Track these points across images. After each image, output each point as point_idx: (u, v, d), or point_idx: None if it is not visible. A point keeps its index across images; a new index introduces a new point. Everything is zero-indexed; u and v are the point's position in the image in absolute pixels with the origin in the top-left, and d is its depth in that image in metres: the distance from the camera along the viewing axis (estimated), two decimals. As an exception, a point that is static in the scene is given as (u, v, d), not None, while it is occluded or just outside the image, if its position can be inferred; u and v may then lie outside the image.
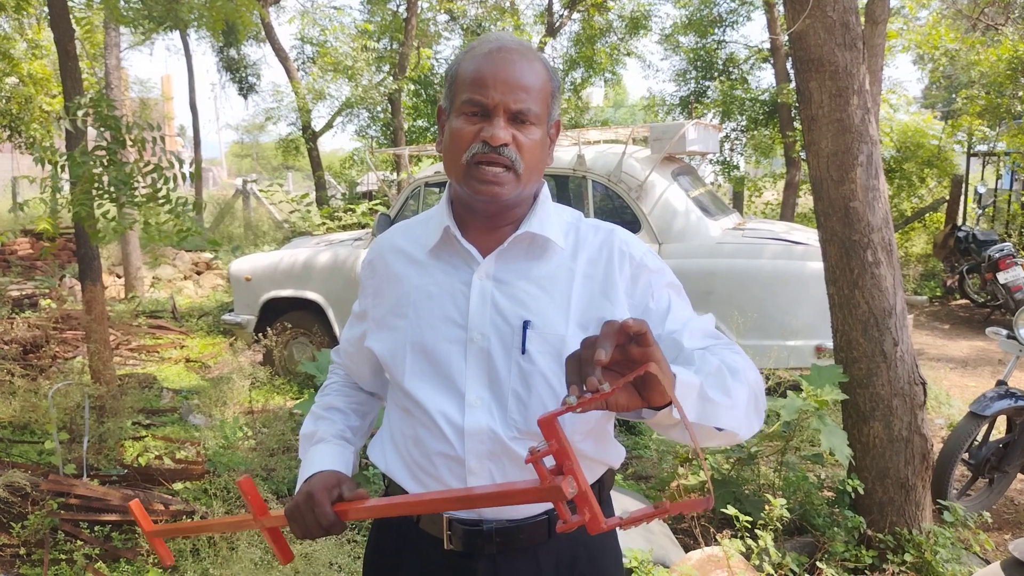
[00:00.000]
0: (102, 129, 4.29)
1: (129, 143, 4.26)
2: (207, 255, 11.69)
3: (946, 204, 10.50)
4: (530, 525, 1.28)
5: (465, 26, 14.87)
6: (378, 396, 1.56)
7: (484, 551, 1.28)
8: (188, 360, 6.83)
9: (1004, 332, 3.85)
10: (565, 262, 1.30)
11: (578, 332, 1.24)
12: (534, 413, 1.22)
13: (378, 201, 11.51)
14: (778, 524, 3.01)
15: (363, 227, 10.09)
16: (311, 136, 13.86)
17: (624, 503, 3.07)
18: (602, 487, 1.37)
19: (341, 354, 1.54)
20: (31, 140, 12.23)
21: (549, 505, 1.25)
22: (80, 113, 4.27)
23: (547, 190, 1.35)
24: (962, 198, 10.49)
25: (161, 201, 4.21)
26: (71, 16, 4.73)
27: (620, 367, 0.93)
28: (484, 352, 1.25)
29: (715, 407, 1.05)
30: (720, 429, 1.08)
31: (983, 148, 11.80)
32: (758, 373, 1.19)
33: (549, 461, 0.89)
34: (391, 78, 12.67)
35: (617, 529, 1.32)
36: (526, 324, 1.24)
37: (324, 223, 10.81)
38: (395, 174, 12.25)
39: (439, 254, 1.33)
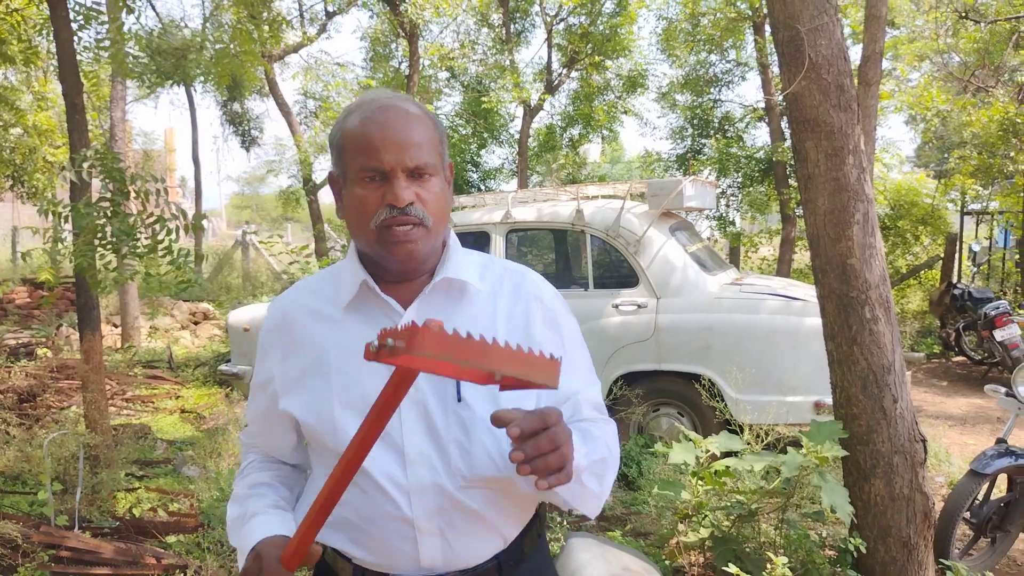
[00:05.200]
0: (107, 181, 4.34)
1: (133, 195, 4.30)
2: (205, 305, 11.69)
3: (941, 262, 10.58)
4: (480, 572, 1.29)
5: (465, 83, 15.13)
6: (301, 467, 1.50)
7: None
8: (183, 411, 6.79)
9: (1003, 390, 3.85)
10: (486, 304, 1.31)
11: None
12: (478, 460, 1.23)
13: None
14: (779, 583, 2.97)
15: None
16: (312, 188, 13.99)
17: (624, 560, 3.04)
18: (540, 522, 1.41)
19: (252, 434, 1.48)
20: (33, 190, 12.33)
21: (498, 548, 1.30)
22: (86, 165, 4.33)
23: (455, 236, 1.37)
24: (957, 256, 10.57)
25: (163, 252, 4.24)
26: (79, 70, 4.82)
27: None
28: (419, 404, 1.24)
29: (584, 494, 1.18)
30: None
31: (976, 207, 11.94)
32: (618, 452, 1.30)
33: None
34: (392, 133, 12.82)
35: None
36: None
37: (323, 275, 10.83)
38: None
39: (358, 308, 1.30)
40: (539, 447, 0.99)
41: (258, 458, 1.48)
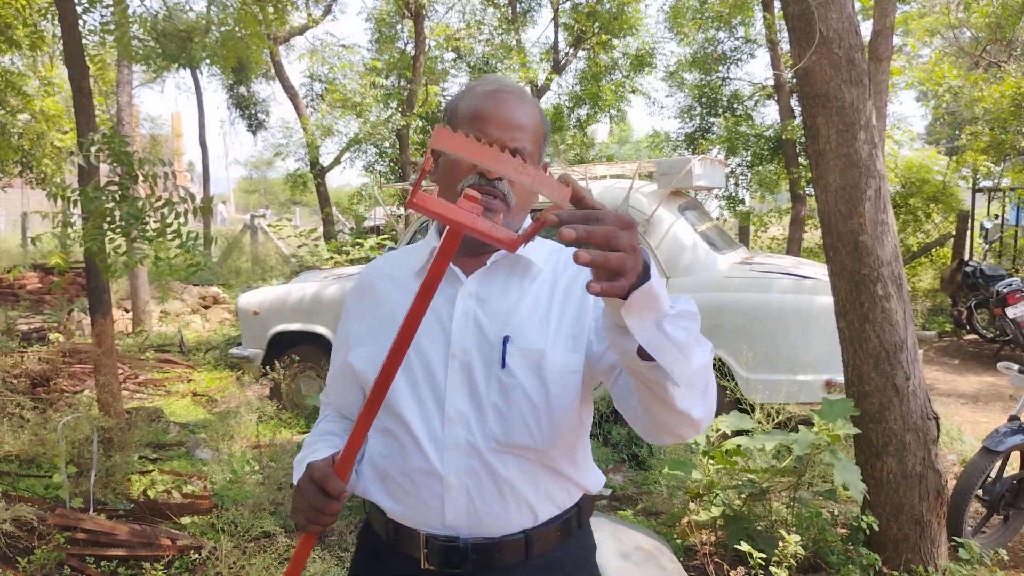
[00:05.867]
0: (115, 165, 4.34)
1: (141, 179, 4.30)
2: (215, 289, 11.73)
3: (952, 239, 10.51)
4: (507, 543, 1.30)
5: (472, 64, 15.05)
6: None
7: (460, 569, 1.29)
8: (195, 394, 6.82)
9: (1015, 367, 3.83)
10: (545, 282, 1.35)
11: (559, 347, 1.28)
12: (514, 426, 1.27)
13: (386, 236, 11.56)
14: (792, 561, 2.97)
15: (371, 261, 10.13)
16: (319, 172, 13.97)
17: (635, 539, 3.04)
18: (580, 512, 1.39)
19: (329, 393, 1.56)
20: (42, 176, 12.37)
21: (526, 523, 1.30)
22: (93, 149, 4.32)
23: (529, 222, 1.39)
24: (968, 233, 10.49)
25: (171, 236, 4.24)
26: (85, 53, 4.81)
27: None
28: (466, 367, 1.29)
29: (663, 343, 0.98)
30: (663, 380, 1.02)
31: (988, 184, 11.83)
32: (713, 377, 1.17)
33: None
34: (399, 114, 12.81)
35: (597, 557, 1.44)
36: (506, 339, 1.28)
37: (332, 257, 10.85)
38: (402, 209, 12.32)
39: (424, 274, 1.34)
40: (592, 233, 0.89)
41: (331, 414, 1.56)
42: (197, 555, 3.29)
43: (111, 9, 5.44)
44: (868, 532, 3.14)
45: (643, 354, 1.00)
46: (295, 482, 1.39)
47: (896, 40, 10.85)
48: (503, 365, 1.27)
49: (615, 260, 0.89)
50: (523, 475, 1.29)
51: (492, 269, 1.35)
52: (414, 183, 0.96)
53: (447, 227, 1.01)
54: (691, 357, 1.01)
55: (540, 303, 1.32)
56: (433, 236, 1.41)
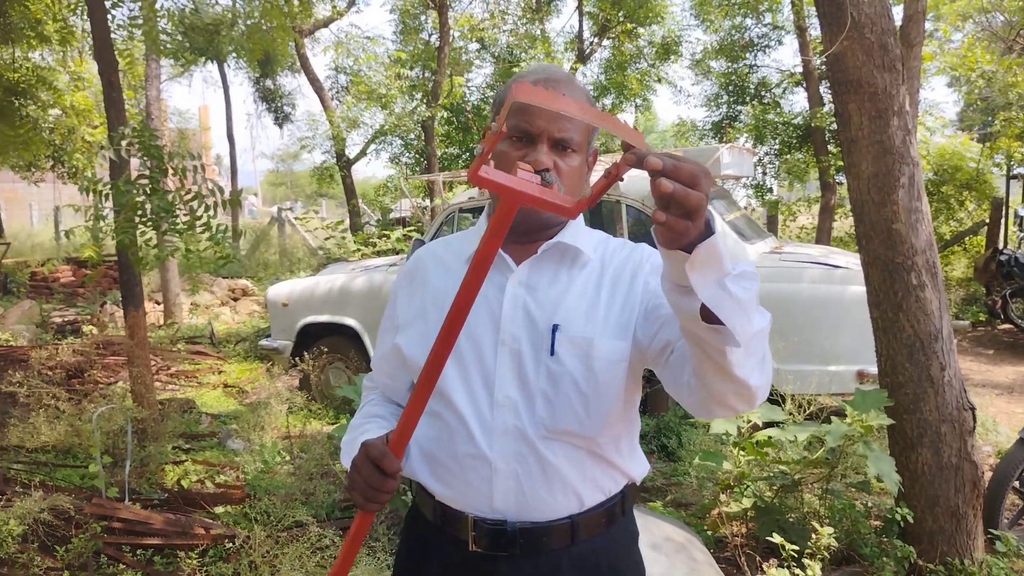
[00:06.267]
0: (145, 158, 4.38)
1: (171, 172, 4.34)
2: (243, 281, 11.84)
3: (986, 227, 10.32)
4: (553, 528, 1.31)
5: (496, 54, 15.01)
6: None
7: (508, 552, 1.30)
8: (226, 385, 6.90)
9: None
10: (594, 271, 1.36)
11: (607, 336, 1.29)
12: (562, 413, 1.28)
13: (412, 227, 11.60)
14: (825, 553, 2.95)
15: (398, 253, 10.17)
16: (345, 164, 14.04)
17: (665, 530, 3.03)
18: (624, 499, 1.41)
19: (375, 377, 1.57)
20: (73, 170, 12.54)
21: (572, 509, 1.32)
22: (124, 143, 4.37)
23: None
24: (1003, 221, 10.30)
25: (201, 229, 4.28)
26: (114, 48, 4.86)
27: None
28: (515, 354, 1.31)
29: (728, 299, 0.97)
30: (723, 343, 1.01)
31: (1022, 171, 11.60)
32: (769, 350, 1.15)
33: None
34: (424, 106, 12.82)
35: (640, 547, 1.45)
36: (555, 328, 1.29)
37: (359, 249, 10.90)
38: (429, 200, 12.35)
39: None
40: (679, 167, 0.90)
41: (376, 397, 1.57)
42: (231, 544, 3.33)
43: (139, 4, 5.49)
44: (903, 524, 3.10)
45: (704, 317, 1.00)
46: (344, 462, 1.41)
47: (927, 25, 10.66)
48: (552, 353, 1.29)
49: (695, 198, 0.90)
50: (570, 462, 1.30)
51: (541, 258, 1.36)
52: (480, 154, 0.96)
53: (498, 206, 1.02)
54: (752, 318, 1.01)
55: (588, 292, 1.33)
56: (484, 222, 1.42)
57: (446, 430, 1.33)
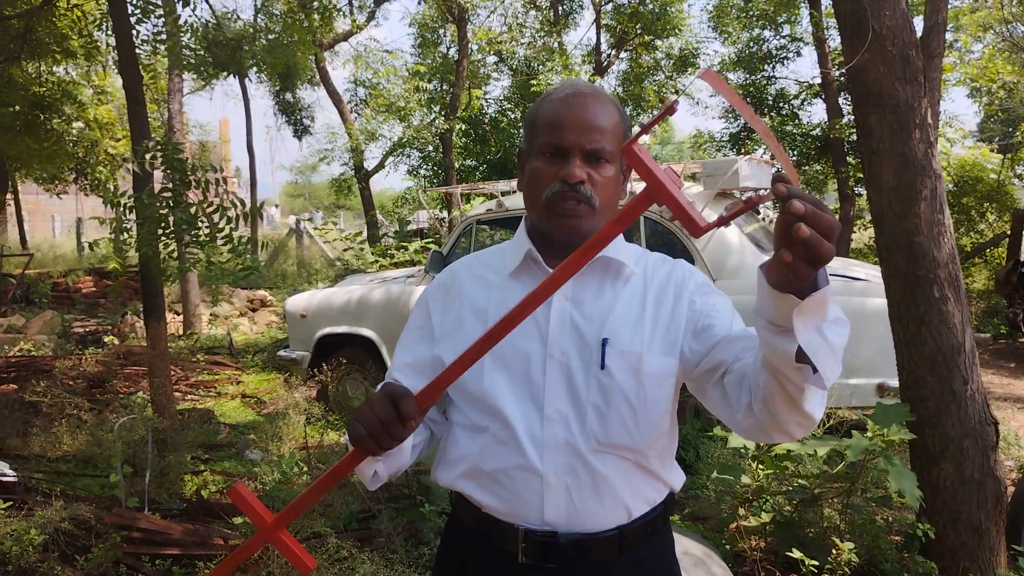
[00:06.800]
0: (168, 171, 4.44)
1: (193, 185, 4.39)
2: (262, 292, 11.92)
3: (1007, 239, 10.23)
4: (602, 539, 1.31)
5: (514, 66, 15.08)
6: (425, 426, 1.47)
7: (557, 564, 1.31)
8: (244, 396, 6.94)
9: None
10: (638, 286, 1.37)
11: (655, 351, 1.30)
12: (613, 426, 1.29)
13: (430, 239, 11.64)
14: (846, 569, 2.92)
15: (415, 264, 10.22)
16: (363, 176, 14.13)
17: (684, 544, 3.01)
18: (665, 510, 1.41)
19: (398, 379, 1.47)
20: (96, 182, 12.70)
21: (620, 520, 1.33)
22: (148, 156, 4.43)
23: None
24: (1024, 233, 10.19)
25: (223, 241, 4.32)
26: (138, 63, 4.93)
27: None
28: (564, 367, 1.31)
29: (824, 345, 1.01)
30: (806, 382, 1.05)
31: (1044, 182, 11.49)
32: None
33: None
34: (442, 118, 12.89)
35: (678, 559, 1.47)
36: (605, 341, 1.30)
37: (377, 261, 10.95)
38: (446, 212, 12.39)
39: (519, 276, 1.39)
40: (819, 217, 0.90)
41: None
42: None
43: (164, 20, 5.57)
44: (924, 540, 3.06)
45: (796, 357, 1.02)
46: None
47: (947, 36, 10.60)
48: (603, 367, 1.29)
49: (827, 250, 0.91)
50: (619, 474, 1.31)
51: (587, 272, 1.35)
52: (645, 125, 0.97)
53: (635, 199, 1.02)
54: (840, 363, 1.04)
55: (634, 306, 1.34)
56: (522, 238, 1.40)
57: (495, 443, 1.33)
